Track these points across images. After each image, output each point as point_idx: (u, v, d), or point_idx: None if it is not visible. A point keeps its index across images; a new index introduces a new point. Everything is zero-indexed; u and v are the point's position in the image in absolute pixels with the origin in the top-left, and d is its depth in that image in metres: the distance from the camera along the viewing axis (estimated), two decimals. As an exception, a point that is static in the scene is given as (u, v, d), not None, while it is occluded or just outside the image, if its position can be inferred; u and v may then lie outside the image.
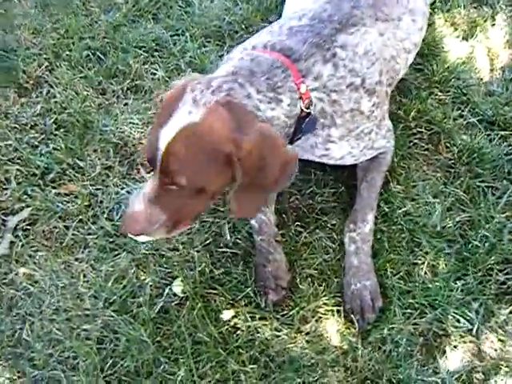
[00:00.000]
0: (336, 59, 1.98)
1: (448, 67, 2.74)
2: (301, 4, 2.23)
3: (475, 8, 3.03)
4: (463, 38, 2.90)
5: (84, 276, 2.28)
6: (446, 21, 2.96)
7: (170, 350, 2.08)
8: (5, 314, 2.21)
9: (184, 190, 1.75)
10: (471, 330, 2.06)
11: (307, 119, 1.94)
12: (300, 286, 2.19)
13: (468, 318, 2.07)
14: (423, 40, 2.52)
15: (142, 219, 1.78)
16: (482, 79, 2.73)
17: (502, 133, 2.54)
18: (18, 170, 2.57)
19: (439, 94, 2.67)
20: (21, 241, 2.38)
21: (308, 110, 1.92)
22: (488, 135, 2.53)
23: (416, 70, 2.69)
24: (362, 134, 2.13)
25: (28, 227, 2.42)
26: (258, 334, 2.09)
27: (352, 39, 2.03)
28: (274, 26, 2.16)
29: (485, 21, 2.94)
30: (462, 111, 2.61)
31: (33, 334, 2.15)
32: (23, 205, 2.48)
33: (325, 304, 2.14)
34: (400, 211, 2.32)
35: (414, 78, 2.69)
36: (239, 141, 1.67)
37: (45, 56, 2.97)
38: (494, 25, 2.95)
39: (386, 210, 2.33)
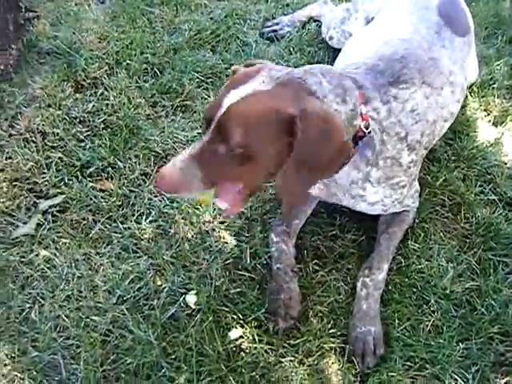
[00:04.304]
0: (390, 105, 1.99)
1: (476, 146, 2.72)
2: (353, 59, 2.26)
3: (508, 99, 3.02)
4: (493, 124, 2.88)
5: (102, 270, 2.20)
6: (480, 105, 2.95)
7: (173, 357, 1.99)
8: (17, 292, 2.14)
9: (231, 153, 1.67)
10: (467, 393, 1.97)
11: (365, 139, 1.91)
12: (310, 320, 2.10)
13: (465, 380, 1.97)
14: (457, 118, 2.51)
15: (174, 173, 1.68)
16: (506, 163, 2.69)
17: None
18: (59, 158, 2.54)
19: (465, 168, 2.63)
20: (48, 224, 2.32)
21: (365, 131, 1.88)
22: (506, 214, 2.47)
23: (447, 143, 2.67)
24: (397, 185, 2.11)
25: (57, 214, 2.38)
26: (262, 358, 2.00)
27: (402, 94, 2.05)
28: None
29: None
30: (484, 188, 2.56)
31: (40, 316, 2.08)
32: (58, 191, 2.43)
33: (330, 341, 2.05)
34: (414, 267, 2.26)
35: (444, 151, 2.66)
36: (303, 106, 1.65)
37: (106, 60, 2.99)
38: (523, 117, 2.96)
39: (402, 263, 2.27)
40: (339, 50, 2.89)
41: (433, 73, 2.22)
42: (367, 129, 1.89)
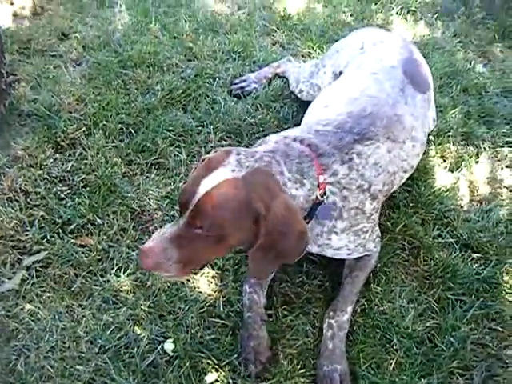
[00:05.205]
0: (352, 163, 2.17)
1: (434, 192, 2.88)
2: (324, 115, 2.42)
3: (463, 146, 3.21)
4: (449, 170, 3.06)
5: (84, 322, 2.29)
6: (437, 153, 3.13)
7: None
8: (3, 344, 2.21)
9: (206, 235, 1.84)
10: (430, 427, 2.08)
11: (321, 206, 2.08)
12: (280, 362, 2.22)
13: None
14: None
15: (155, 254, 1.84)
16: (462, 207, 2.86)
17: (475, 255, 2.63)
18: (42, 216, 2.64)
19: (423, 213, 2.79)
20: (32, 279, 2.42)
21: (322, 199, 2.07)
22: (462, 255, 2.62)
23: (406, 190, 2.83)
24: (360, 231, 2.27)
25: (41, 269, 2.47)
26: None
27: (366, 150, 2.23)
28: (302, 126, 2.38)
29: (470, 157, 3.12)
30: (442, 231, 2.72)
31: (26, 367, 2.15)
32: (41, 247, 2.53)
33: (300, 381, 2.16)
34: (377, 309, 2.39)
35: (404, 197, 2.82)
36: (269, 204, 1.83)
37: (84, 122, 3.12)
38: (477, 162, 3.12)
39: (366, 305, 2.40)
40: (304, 105, 3.07)
41: (397, 128, 2.40)
42: (324, 195, 2.08)
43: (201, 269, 2.06)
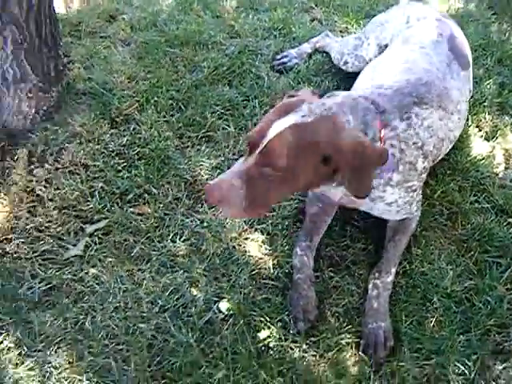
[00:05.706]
0: (410, 121, 2.27)
1: (470, 160, 2.95)
2: (380, 82, 2.50)
3: (498, 115, 3.26)
4: (485, 139, 3.12)
5: (144, 284, 2.42)
6: (473, 122, 3.18)
7: (211, 356, 2.19)
8: (72, 305, 2.36)
9: (275, 174, 1.93)
10: (468, 379, 2.16)
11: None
12: (328, 320, 2.33)
13: (467, 367, 2.17)
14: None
15: (224, 187, 1.92)
16: (497, 174, 2.92)
17: (510, 220, 2.70)
18: (101, 187, 2.77)
19: (460, 180, 2.85)
20: (95, 246, 2.56)
21: None
22: (498, 220, 2.69)
23: (443, 159, 2.85)
24: (410, 189, 2.36)
25: (102, 236, 2.60)
26: (288, 354, 2.22)
27: (422, 113, 2.33)
28: (360, 90, 2.46)
29: (505, 127, 3.17)
30: (478, 197, 2.78)
31: (93, 326, 2.28)
32: (102, 216, 2.67)
33: (346, 337, 2.27)
34: (418, 270, 2.48)
35: (441, 166, 2.87)
36: (338, 145, 1.92)
37: (136, 98, 3.24)
38: (512, 131, 3.17)
39: (407, 267, 2.49)
40: (344, 78, 3.23)
41: (447, 99, 2.51)
42: None
43: (266, 213, 2.25)
